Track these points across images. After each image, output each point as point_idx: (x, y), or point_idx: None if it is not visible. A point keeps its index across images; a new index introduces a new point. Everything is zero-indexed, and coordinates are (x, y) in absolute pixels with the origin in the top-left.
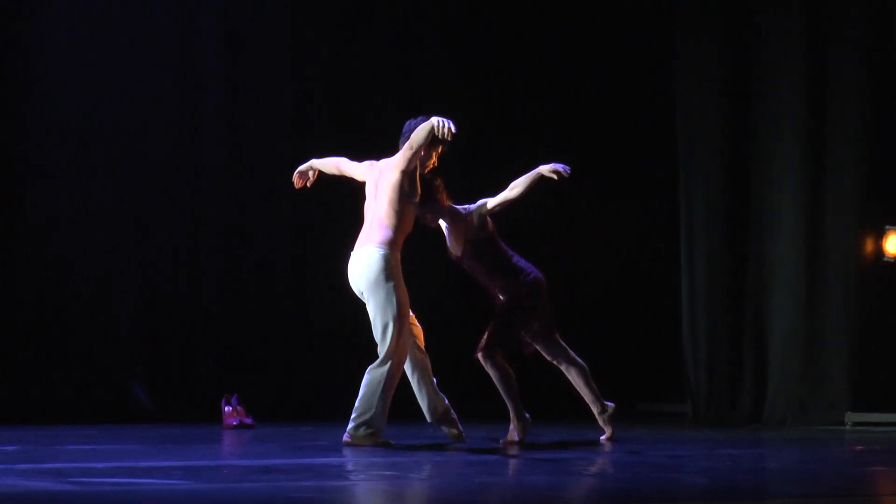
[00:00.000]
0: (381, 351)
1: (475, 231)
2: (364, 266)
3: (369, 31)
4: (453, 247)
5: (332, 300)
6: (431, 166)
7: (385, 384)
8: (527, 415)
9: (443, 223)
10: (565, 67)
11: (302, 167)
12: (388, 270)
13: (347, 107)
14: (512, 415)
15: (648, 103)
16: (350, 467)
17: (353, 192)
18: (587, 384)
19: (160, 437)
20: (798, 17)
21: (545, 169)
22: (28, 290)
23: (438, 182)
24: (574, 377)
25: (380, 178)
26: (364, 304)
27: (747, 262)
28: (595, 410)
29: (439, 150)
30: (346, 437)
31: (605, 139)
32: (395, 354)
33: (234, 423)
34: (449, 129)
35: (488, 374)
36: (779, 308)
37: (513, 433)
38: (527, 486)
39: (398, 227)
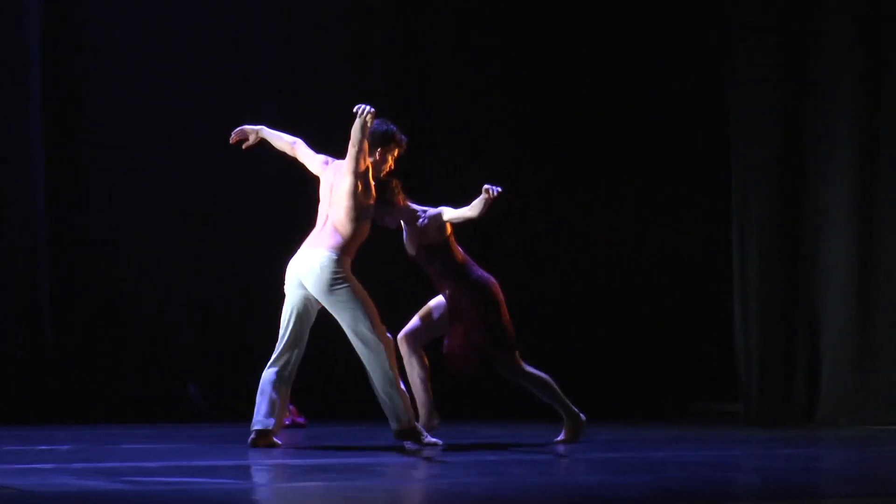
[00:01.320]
0: (366, 348)
1: (430, 236)
2: (316, 269)
3: (425, 32)
4: (408, 245)
5: (382, 300)
6: (388, 169)
7: (390, 375)
8: (581, 414)
9: (402, 222)
10: (617, 70)
11: (248, 127)
12: (341, 274)
13: (406, 111)
14: (563, 415)
15: (701, 102)
16: (403, 466)
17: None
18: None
19: (214, 436)
20: (853, 16)
21: (484, 188)
22: (86, 291)
23: (395, 183)
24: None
25: (334, 183)
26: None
27: (801, 261)
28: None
29: (394, 153)
30: (394, 435)
31: (657, 138)
32: (382, 342)
33: (287, 422)
34: (367, 110)
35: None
36: (833, 306)
37: (566, 433)
38: (582, 485)
39: (352, 235)
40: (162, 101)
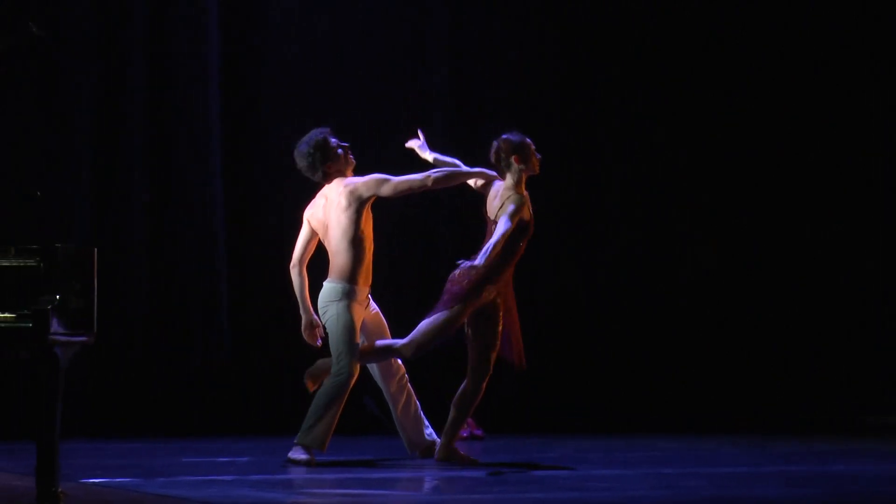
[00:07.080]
0: None
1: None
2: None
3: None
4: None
5: (562, 312)
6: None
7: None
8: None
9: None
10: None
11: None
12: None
13: (576, 127)
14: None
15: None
16: (578, 479)
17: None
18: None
19: (389, 448)
20: None
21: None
22: (263, 303)
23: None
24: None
25: None
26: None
27: None
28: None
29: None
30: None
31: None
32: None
33: (465, 434)
34: None
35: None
36: None
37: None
38: (757, 498)
39: None
40: (333, 110)
